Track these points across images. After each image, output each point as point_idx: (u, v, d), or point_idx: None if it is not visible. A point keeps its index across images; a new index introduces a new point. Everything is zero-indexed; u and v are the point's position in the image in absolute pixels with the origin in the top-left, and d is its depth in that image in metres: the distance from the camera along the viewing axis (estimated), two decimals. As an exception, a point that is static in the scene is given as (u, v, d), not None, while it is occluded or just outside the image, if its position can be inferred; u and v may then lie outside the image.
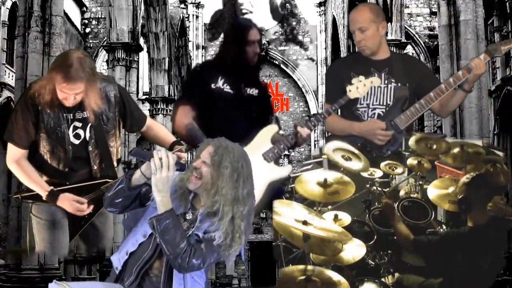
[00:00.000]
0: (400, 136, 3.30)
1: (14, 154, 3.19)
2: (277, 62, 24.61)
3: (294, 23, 24.83)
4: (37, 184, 3.17)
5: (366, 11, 3.51)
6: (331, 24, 21.95)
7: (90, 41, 19.58)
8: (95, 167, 3.22)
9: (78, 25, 19.20)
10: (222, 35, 4.06)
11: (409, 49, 19.64)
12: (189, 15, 23.14)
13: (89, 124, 3.18)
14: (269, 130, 3.50)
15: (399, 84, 3.45)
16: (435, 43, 18.61)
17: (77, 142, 3.19)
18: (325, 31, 23.67)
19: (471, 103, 8.75)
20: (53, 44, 8.33)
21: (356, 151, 3.25)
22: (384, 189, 3.18)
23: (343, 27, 19.03)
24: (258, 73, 3.90)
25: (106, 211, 3.25)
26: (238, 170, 2.53)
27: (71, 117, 3.16)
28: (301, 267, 3.08)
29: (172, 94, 17.99)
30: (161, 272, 2.61)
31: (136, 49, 13.26)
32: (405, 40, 15.00)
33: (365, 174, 3.21)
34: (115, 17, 13.09)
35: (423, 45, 20.18)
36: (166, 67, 17.76)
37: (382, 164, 3.22)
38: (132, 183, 2.60)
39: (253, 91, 3.71)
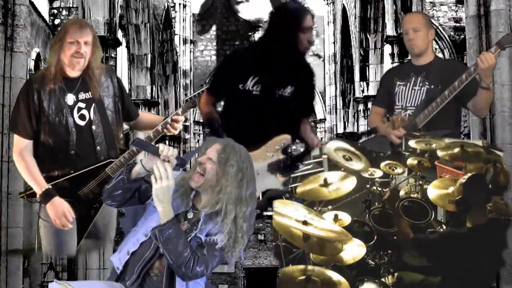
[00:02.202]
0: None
1: (18, 145, 3.88)
2: (277, 59, 24.95)
3: (297, 14, 25.15)
4: (35, 179, 3.83)
5: (420, 15, 4.94)
6: (340, 15, 21.91)
7: (60, 34, 19.88)
8: (99, 148, 3.91)
9: (46, 16, 19.43)
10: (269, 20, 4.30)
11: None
12: (175, 4, 23.08)
13: (93, 105, 3.90)
14: (280, 140, 4.21)
15: (432, 87, 4.36)
16: (462, 36, 19.02)
17: (83, 123, 3.90)
18: (333, 22, 23.69)
19: (503, 107, 8.57)
20: (17, 37, 8.14)
21: (356, 151, 3.93)
22: (384, 189, 3.84)
23: (355, 18, 19.13)
24: (300, 65, 4.44)
25: (108, 213, 3.95)
26: (243, 170, 3.10)
27: (75, 99, 3.89)
28: (301, 267, 3.69)
29: (156, 96, 18.16)
30: (161, 272, 3.13)
31: (113, 44, 13.58)
32: (427, 33, 15.47)
33: (365, 174, 3.90)
34: (88, 6, 13.19)
35: (448, 39, 20.56)
36: (149, 65, 18.06)
37: (382, 164, 3.90)
38: (132, 175, 3.14)
39: (286, 91, 4.31)
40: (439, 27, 20.87)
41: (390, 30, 15.44)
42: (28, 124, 3.86)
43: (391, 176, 3.93)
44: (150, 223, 3.16)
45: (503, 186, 3.83)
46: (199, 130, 23.90)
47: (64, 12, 19.97)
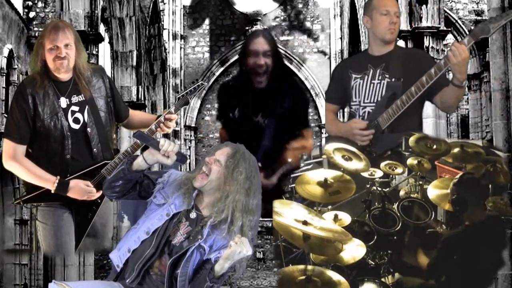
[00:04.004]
0: (384, 136, 4.54)
1: (9, 151, 4.33)
2: (278, 56, 25.07)
3: (300, 6, 25.15)
4: (41, 178, 4.30)
5: (396, 1, 4.85)
6: (348, 7, 22.11)
7: (35, 28, 19.24)
8: (96, 150, 4.40)
9: (20, 9, 19.31)
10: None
11: (450, 39, 20.23)
12: (163, -5, 23.56)
13: (86, 107, 4.39)
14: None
15: (393, 80, 4.58)
16: (484, 31, 19.27)
17: (77, 127, 4.40)
18: (340, 16, 23.90)
19: (530, 111, 8.65)
20: (-14, 33, 8.51)
21: (357, 151, 4.47)
22: (384, 189, 4.39)
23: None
24: (281, 95, 5.06)
25: (105, 212, 4.47)
26: (251, 178, 3.53)
27: (68, 102, 4.37)
28: (301, 267, 4.18)
29: (142, 98, 18.36)
30: (161, 271, 3.54)
31: (95, 40, 13.98)
32: (445, 28, 15.17)
33: (365, 174, 4.44)
34: (67, -3, 13.49)
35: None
36: (134, 63, 18.23)
37: (382, 164, 4.44)
38: (133, 166, 3.56)
39: (261, 120, 5.01)
40: (459, 20, 21.05)
41: (403, 24, 15.47)
42: (23, 129, 4.31)
43: (391, 176, 4.47)
44: (151, 220, 3.62)
45: (503, 186, 4.36)
46: (190, 135, 24.27)
47: (40, 4, 19.86)
